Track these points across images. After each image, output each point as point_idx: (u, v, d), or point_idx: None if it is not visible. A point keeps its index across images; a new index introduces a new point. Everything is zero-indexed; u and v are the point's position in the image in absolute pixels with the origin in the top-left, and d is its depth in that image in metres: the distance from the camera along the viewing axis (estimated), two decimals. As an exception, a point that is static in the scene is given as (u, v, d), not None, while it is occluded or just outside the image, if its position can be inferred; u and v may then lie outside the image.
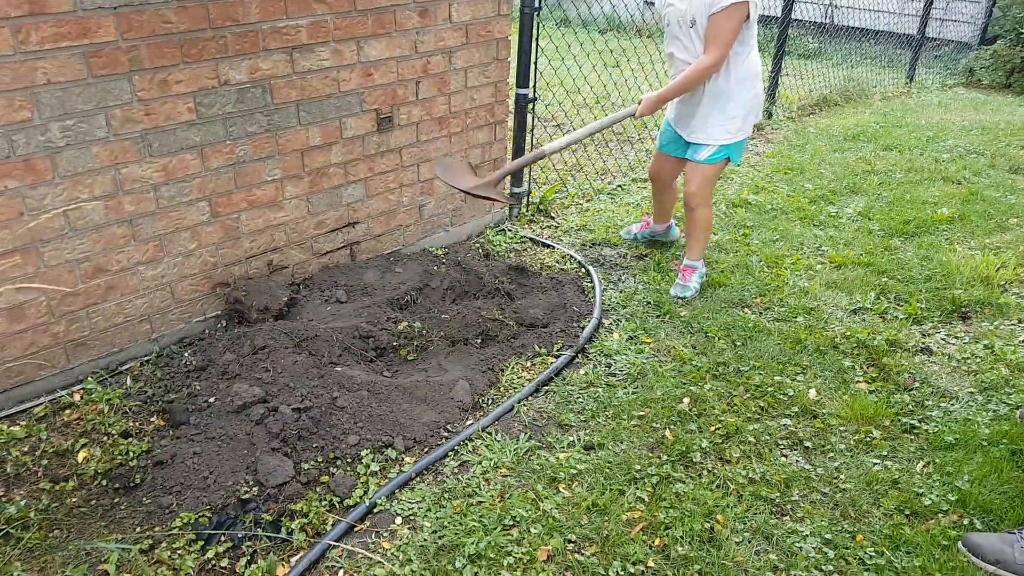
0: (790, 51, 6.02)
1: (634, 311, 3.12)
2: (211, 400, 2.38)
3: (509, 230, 3.82)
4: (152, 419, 2.35)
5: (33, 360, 2.35)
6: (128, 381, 2.49)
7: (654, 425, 2.44)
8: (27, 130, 2.15)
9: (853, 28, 7.84)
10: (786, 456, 2.32)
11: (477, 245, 3.59)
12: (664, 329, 3.00)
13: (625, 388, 2.63)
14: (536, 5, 3.45)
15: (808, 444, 2.38)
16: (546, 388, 2.63)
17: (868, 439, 2.40)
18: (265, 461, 2.16)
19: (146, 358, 2.60)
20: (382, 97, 2.99)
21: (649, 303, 3.19)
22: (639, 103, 3.01)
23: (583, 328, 2.96)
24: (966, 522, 2.07)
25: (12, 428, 2.25)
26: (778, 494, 2.17)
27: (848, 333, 2.95)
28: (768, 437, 2.39)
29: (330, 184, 2.96)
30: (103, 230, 2.38)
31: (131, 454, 2.19)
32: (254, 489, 2.09)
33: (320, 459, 2.22)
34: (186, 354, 2.61)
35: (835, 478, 2.23)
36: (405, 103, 3.09)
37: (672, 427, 2.43)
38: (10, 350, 2.29)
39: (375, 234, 3.22)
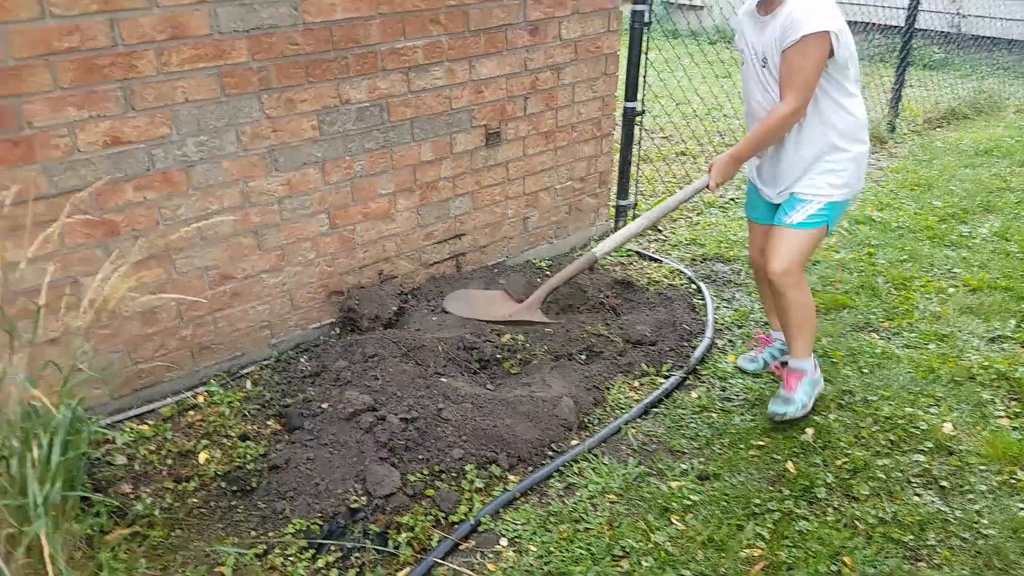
0: (914, 61, 5.63)
1: (749, 331, 2.98)
2: (324, 406, 2.44)
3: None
4: (269, 423, 2.43)
5: (162, 362, 2.49)
6: (248, 385, 2.60)
7: (775, 456, 2.31)
8: (165, 145, 2.28)
9: (983, 37, 7.29)
10: (920, 496, 2.15)
11: (578, 257, 3.53)
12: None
13: (742, 414, 2.51)
14: (645, 20, 3.39)
15: (944, 484, 2.19)
16: (655, 410, 2.54)
17: (1012, 481, 2.19)
18: (373, 471, 2.18)
19: (265, 362, 2.71)
20: (491, 113, 3.02)
21: (766, 323, 3.03)
22: (709, 170, 2.46)
23: (694, 348, 2.85)
24: None
25: (141, 427, 2.38)
26: (912, 537, 2.00)
27: (986, 363, 2.72)
28: (900, 474, 2.22)
29: (439, 197, 3.00)
30: (231, 240, 2.50)
31: (248, 457, 2.26)
32: (363, 498, 2.12)
33: (425, 471, 2.23)
34: (302, 359, 2.70)
35: (976, 523, 2.04)
36: (513, 118, 3.10)
37: (794, 459, 2.29)
38: (142, 352, 2.43)
39: (480, 245, 3.24)
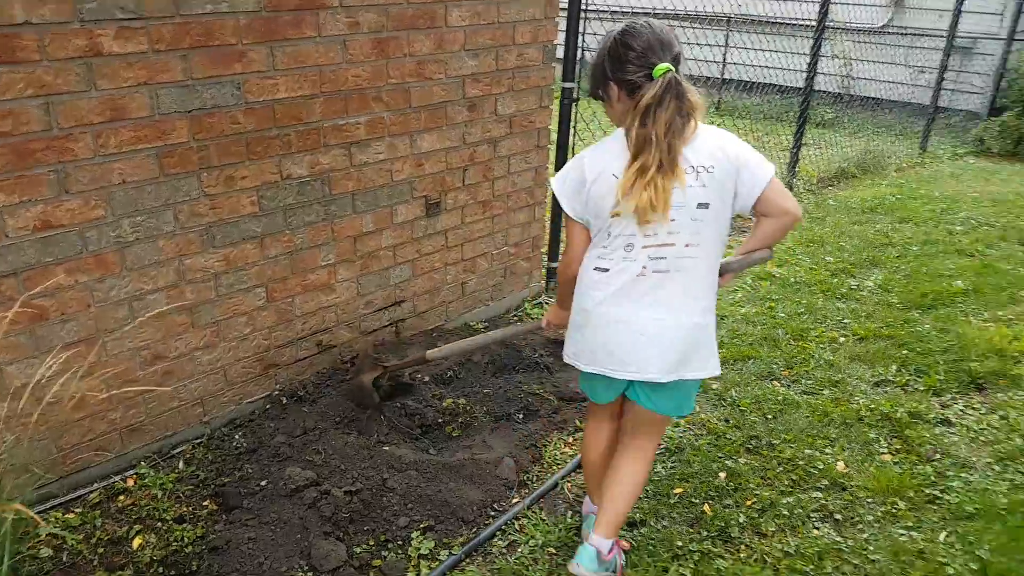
0: (808, 120, 6.15)
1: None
2: (263, 483, 2.43)
3: (547, 304, 3.90)
4: (205, 503, 2.39)
5: (89, 446, 2.41)
6: (180, 465, 2.55)
7: (693, 500, 2.49)
8: (100, 227, 2.25)
9: (869, 98, 8.07)
10: (818, 529, 2.37)
11: (516, 318, 3.68)
12: (698, 402, 3.05)
13: (664, 463, 2.68)
14: (574, 96, 3.62)
15: (838, 516, 2.42)
16: (589, 464, 2.68)
17: (894, 511, 2.45)
18: (319, 546, 2.20)
19: (197, 441, 2.66)
20: (431, 184, 3.13)
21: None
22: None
23: (621, 402, 3.01)
24: (988, 591, 2.11)
25: (67, 516, 2.29)
26: (812, 567, 2.21)
27: (872, 406, 3.01)
28: (801, 510, 2.44)
29: (379, 266, 3.07)
30: (164, 318, 2.47)
31: (186, 540, 2.22)
32: (308, 575, 2.13)
33: (371, 542, 2.26)
34: (237, 436, 2.67)
35: (865, 550, 2.28)
36: (452, 189, 3.23)
37: (710, 502, 2.48)
38: (68, 437, 2.35)
39: (419, 311, 3.32)
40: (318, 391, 2.86)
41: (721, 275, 1.98)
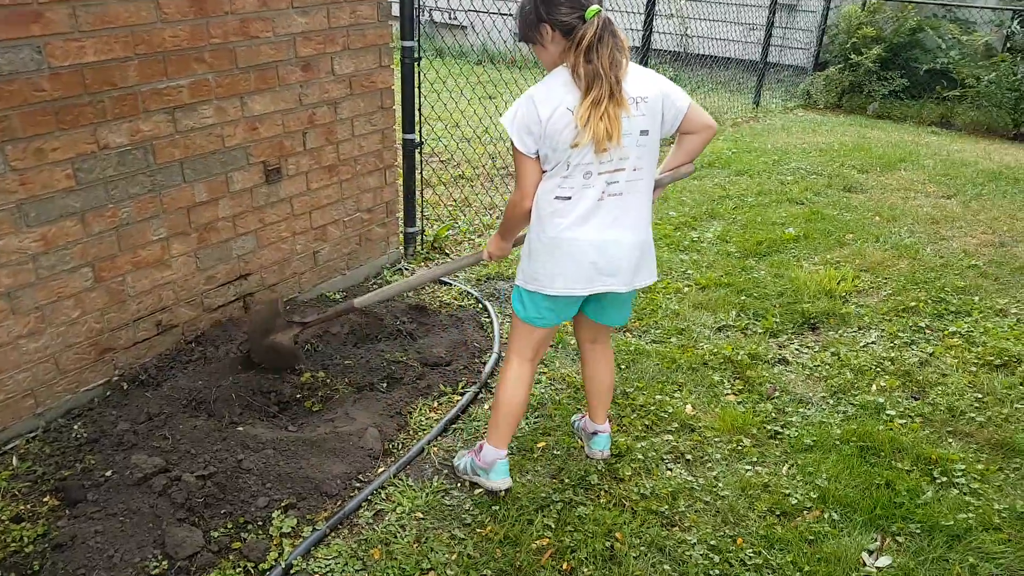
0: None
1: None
2: (108, 474, 2.31)
3: (406, 270, 3.88)
4: (45, 499, 2.24)
5: None
6: (14, 461, 2.36)
7: (555, 453, 2.59)
8: None
9: (706, 56, 8.50)
10: (671, 470, 2.51)
11: (375, 286, 3.62)
12: (558, 358, 3.18)
13: (526, 419, 2.76)
14: (416, 56, 3.56)
15: (689, 457, 2.57)
16: (454, 426, 2.73)
17: (740, 448, 2.62)
18: (172, 533, 2.13)
19: (32, 434, 2.47)
20: (269, 150, 3.00)
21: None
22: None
23: (485, 363, 3.08)
24: (826, 516, 2.32)
25: None
26: (667, 507, 2.34)
27: (715, 350, 3.20)
28: (654, 453, 2.57)
29: (219, 238, 2.92)
30: (-25, 307, 2.25)
31: (26, 540, 2.08)
32: (163, 563, 2.07)
33: (230, 525, 2.21)
34: (75, 426, 2.50)
35: (715, 487, 2.44)
36: (293, 154, 3.10)
37: (570, 452, 2.58)
38: None
39: (269, 284, 3.20)
40: (161, 374, 2.72)
41: (654, 190, 2.22)
